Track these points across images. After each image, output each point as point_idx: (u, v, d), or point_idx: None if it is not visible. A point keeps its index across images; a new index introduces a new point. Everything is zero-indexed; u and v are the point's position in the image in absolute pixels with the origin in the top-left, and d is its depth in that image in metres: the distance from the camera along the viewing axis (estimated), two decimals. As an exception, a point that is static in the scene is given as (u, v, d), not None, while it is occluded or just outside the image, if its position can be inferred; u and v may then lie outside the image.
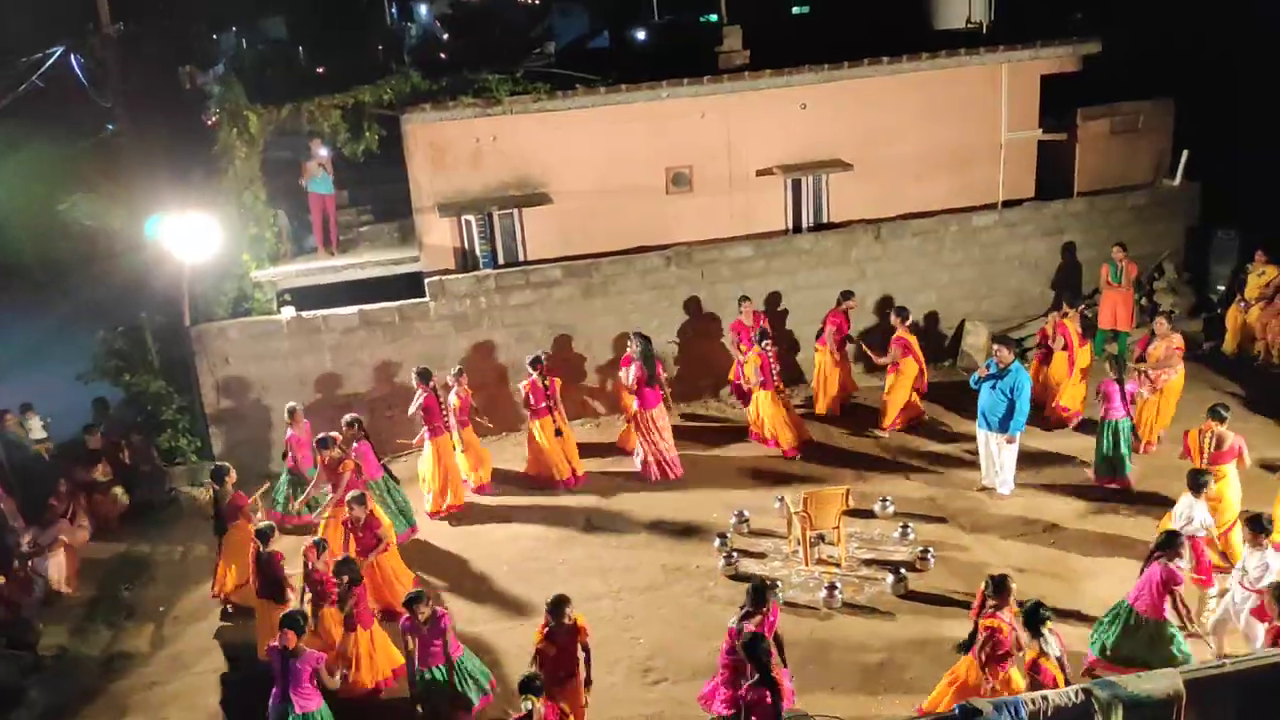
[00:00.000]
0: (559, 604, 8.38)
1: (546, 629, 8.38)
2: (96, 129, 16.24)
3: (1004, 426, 12.02)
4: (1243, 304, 15.53)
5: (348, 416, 12.38)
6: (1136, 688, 6.79)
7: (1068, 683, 7.57)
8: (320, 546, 10.08)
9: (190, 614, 11.52)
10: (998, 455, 12.30)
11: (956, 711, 6.79)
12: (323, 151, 15.11)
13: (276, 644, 8.48)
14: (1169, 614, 8.63)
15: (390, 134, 14.99)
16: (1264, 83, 16.57)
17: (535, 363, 13.23)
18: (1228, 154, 16.54)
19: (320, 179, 15.13)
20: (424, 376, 12.94)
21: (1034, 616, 7.87)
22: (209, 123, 14.88)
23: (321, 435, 11.90)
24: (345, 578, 9.63)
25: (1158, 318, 13.74)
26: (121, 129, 15.02)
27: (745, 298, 14.71)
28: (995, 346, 12.40)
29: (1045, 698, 6.78)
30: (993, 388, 12.03)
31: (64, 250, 17.87)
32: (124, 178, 14.82)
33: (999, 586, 8.05)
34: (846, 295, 14.69)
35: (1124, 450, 12.20)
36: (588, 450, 14.13)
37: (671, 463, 13.49)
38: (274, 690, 8.54)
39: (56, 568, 11.95)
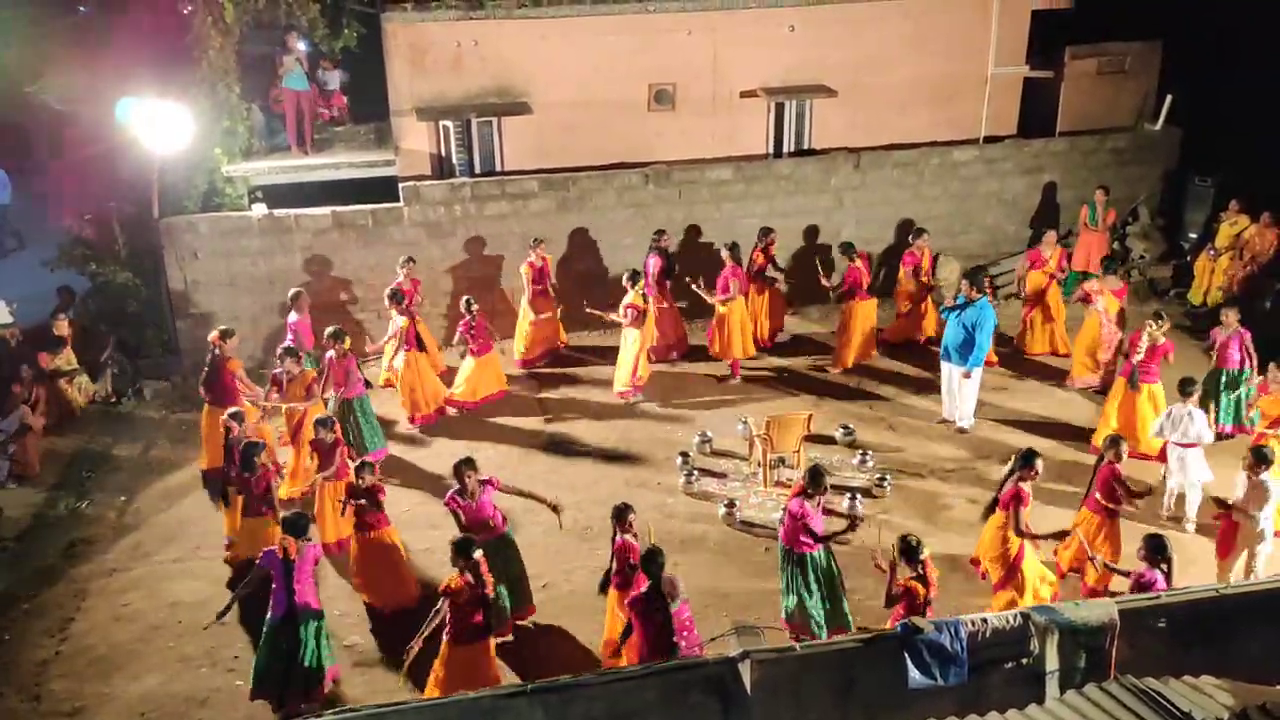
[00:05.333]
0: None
1: None
2: (69, 8, 15.78)
3: (963, 360, 12.16)
4: (1212, 253, 15.62)
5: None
6: (1073, 615, 6.98)
7: None
8: (238, 417, 10.19)
9: (152, 503, 11.58)
10: (958, 389, 12.47)
11: (899, 629, 6.98)
12: (300, 45, 14.77)
13: (276, 550, 8.24)
14: None
15: (370, 32, 14.66)
16: (1253, 30, 16.45)
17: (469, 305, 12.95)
18: (1212, 100, 16.51)
19: (295, 74, 14.80)
20: (467, 305, 12.86)
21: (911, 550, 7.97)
22: (184, 10, 14.49)
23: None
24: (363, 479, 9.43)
25: None
26: (94, 11, 14.61)
27: (539, 240, 14.00)
28: (962, 281, 12.50)
29: (985, 619, 6.97)
30: (957, 321, 12.16)
31: (33, 133, 17.50)
32: (95, 62, 14.45)
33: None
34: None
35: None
36: (556, 361, 14.30)
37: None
38: (277, 595, 8.28)
39: (19, 453, 11.95)
